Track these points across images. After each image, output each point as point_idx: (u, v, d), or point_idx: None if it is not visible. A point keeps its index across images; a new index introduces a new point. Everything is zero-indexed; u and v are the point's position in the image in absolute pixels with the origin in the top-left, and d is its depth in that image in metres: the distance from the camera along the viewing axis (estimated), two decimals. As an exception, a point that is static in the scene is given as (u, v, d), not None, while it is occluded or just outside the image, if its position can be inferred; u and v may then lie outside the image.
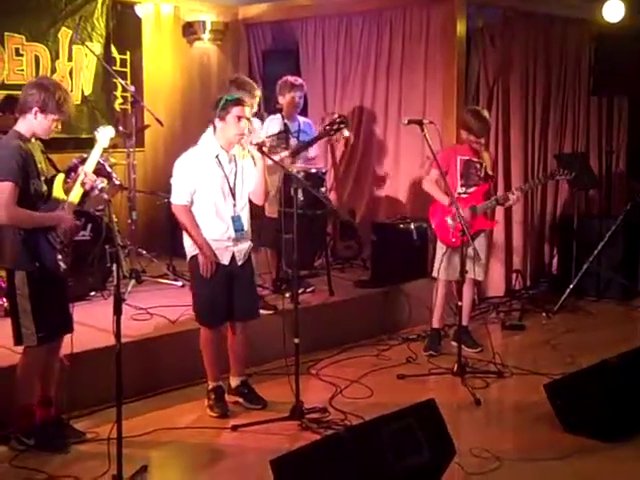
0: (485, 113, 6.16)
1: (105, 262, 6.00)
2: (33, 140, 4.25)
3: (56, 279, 4.25)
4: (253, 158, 4.82)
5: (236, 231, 4.80)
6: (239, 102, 4.76)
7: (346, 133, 6.40)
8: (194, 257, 4.81)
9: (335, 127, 6.21)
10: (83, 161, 4.51)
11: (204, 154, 4.78)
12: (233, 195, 4.79)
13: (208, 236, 4.76)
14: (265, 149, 4.77)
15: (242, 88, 5.78)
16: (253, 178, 4.84)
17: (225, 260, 4.81)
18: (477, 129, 5.97)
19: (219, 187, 4.75)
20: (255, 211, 5.17)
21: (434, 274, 6.12)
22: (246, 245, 4.90)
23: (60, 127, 4.35)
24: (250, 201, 4.94)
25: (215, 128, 4.78)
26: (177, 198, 4.77)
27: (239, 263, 4.86)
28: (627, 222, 7.47)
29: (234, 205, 4.79)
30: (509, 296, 7.63)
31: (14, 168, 4.05)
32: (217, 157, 4.76)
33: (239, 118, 4.70)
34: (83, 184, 4.28)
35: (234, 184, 4.80)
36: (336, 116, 6.38)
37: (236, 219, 4.80)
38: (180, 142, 7.88)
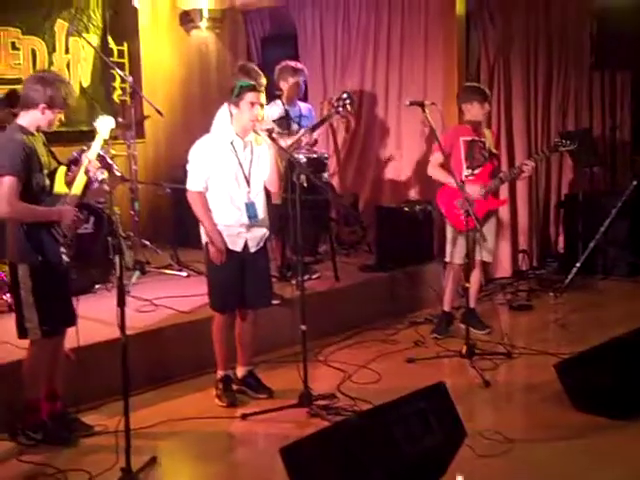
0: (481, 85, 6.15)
1: (108, 254, 5.96)
2: (36, 133, 4.22)
3: (59, 272, 4.23)
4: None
5: (249, 218, 4.78)
6: (253, 88, 4.76)
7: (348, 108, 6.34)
8: (207, 244, 4.79)
9: (342, 103, 6.16)
10: (82, 153, 4.47)
11: (219, 141, 4.78)
12: (248, 182, 4.77)
13: (221, 222, 4.74)
14: (275, 135, 4.75)
15: (249, 75, 5.75)
16: (268, 165, 4.81)
17: (237, 247, 4.79)
18: (479, 95, 5.92)
19: (233, 173, 4.73)
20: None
21: (447, 258, 6.07)
22: (261, 232, 4.87)
23: (63, 119, 4.34)
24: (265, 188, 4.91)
25: (231, 114, 4.77)
26: (192, 184, 4.76)
27: (252, 250, 4.83)
28: (632, 198, 7.40)
29: (248, 192, 4.77)
30: (516, 277, 7.62)
31: (17, 162, 4.03)
32: (232, 144, 4.75)
33: (252, 104, 4.69)
34: (87, 171, 4.25)
35: (249, 171, 4.78)
36: (342, 92, 6.35)
37: (250, 206, 4.78)
38: (181, 131, 7.91)
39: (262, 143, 4.80)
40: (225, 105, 4.94)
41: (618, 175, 8.49)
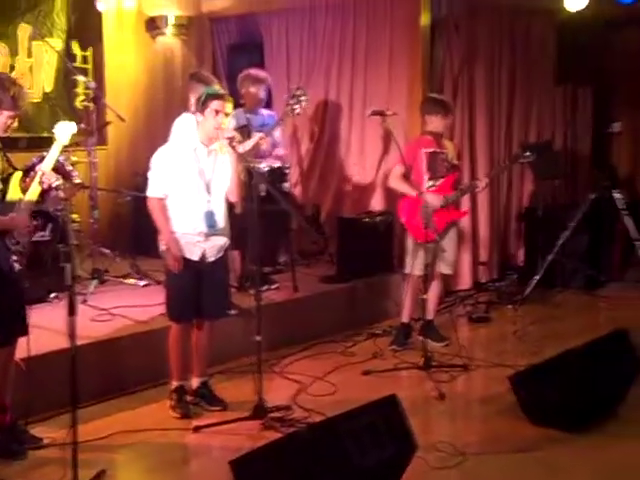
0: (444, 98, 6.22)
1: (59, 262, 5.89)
2: None
3: (10, 280, 4.17)
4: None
5: (208, 227, 4.75)
6: (219, 96, 4.75)
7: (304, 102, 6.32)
8: (166, 251, 4.76)
9: (295, 100, 6.16)
10: (42, 160, 4.42)
11: (182, 148, 4.76)
12: (208, 190, 4.74)
13: (179, 230, 4.72)
14: (235, 144, 4.74)
15: (203, 82, 5.75)
16: (229, 174, 4.80)
17: (195, 256, 4.76)
18: (442, 108, 5.95)
19: (194, 181, 4.71)
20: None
21: (407, 270, 6.08)
22: (220, 242, 4.84)
23: (17, 124, 4.28)
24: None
25: (197, 122, 4.76)
26: (152, 191, 4.73)
27: (210, 260, 4.80)
28: (591, 212, 7.48)
29: (208, 201, 4.74)
30: (476, 289, 7.66)
31: None
32: (195, 151, 4.73)
33: (217, 112, 4.68)
34: (41, 182, 4.20)
35: (210, 179, 4.75)
36: (294, 87, 6.37)
37: (209, 215, 4.75)
38: (143, 139, 7.86)
39: (225, 152, 4.78)
40: (182, 115, 4.92)
41: (578, 188, 8.58)
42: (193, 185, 4.71)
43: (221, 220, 4.83)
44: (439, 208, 5.84)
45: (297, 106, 6.16)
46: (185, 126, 4.84)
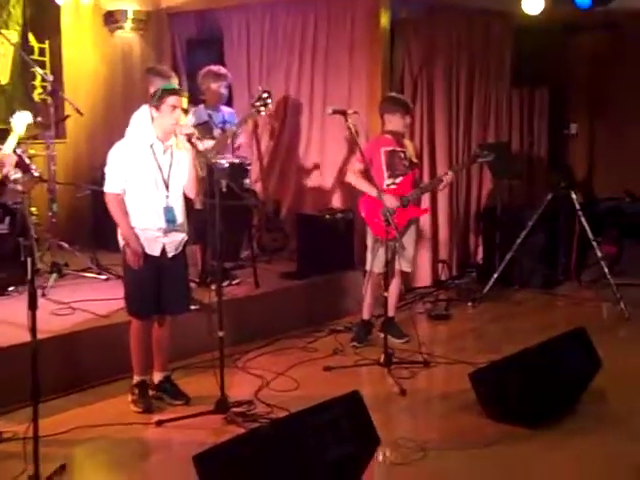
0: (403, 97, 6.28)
1: (21, 255, 5.81)
2: None
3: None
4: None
5: (167, 222, 4.72)
6: (175, 92, 4.71)
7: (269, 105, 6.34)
8: (125, 247, 4.72)
9: (261, 102, 6.17)
10: (-2, 152, 4.36)
11: (138, 143, 4.71)
12: (167, 186, 4.71)
13: (138, 225, 4.68)
14: (194, 140, 4.71)
15: (161, 75, 5.72)
16: (187, 170, 4.77)
17: (155, 252, 4.73)
18: (401, 107, 5.98)
19: (152, 177, 4.68)
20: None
21: (367, 267, 6.10)
22: (179, 237, 4.82)
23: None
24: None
25: (152, 117, 4.71)
26: (110, 186, 4.68)
27: (169, 255, 4.78)
28: (548, 212, 7.60)
29: (167, 196, 4.72)
30: (436, 286, 7.72)
31: None
32: (151, 147, 4.69)
33: (174, 107, 4.64)
34: (1, 165, 4.14)
35: (168, 175, 4.72)
36: (260, 89, 6.38)
37: (168, 210, 4.72)
38: (102, 132, 7.79)
39: (182, 148, 4.76)
40: (142, 108, 4.88)
41: (535, 188, 8.70)
42: (151, 181, 4.68)
43: (179, 216, 4.81)
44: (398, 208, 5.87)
45: (263, 108, 6.20)
46: (142, 120, 4.79)
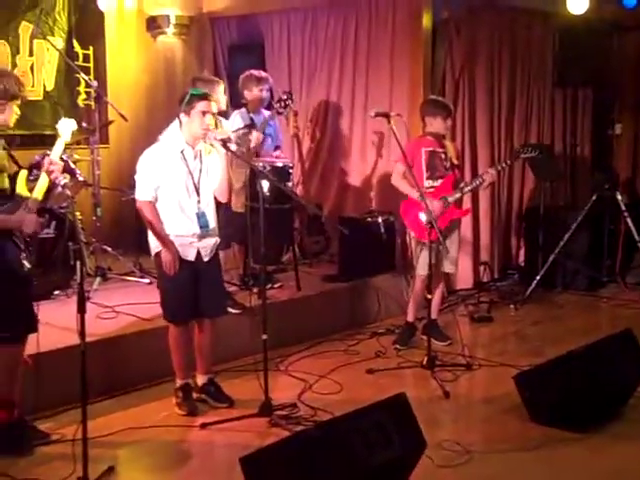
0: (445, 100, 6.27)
1: (69, 260, 5.88)
2: None
3: (20, 279, 4.17)
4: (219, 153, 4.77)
5: (201, 227, 4.75)
6: (204, 97, 4.71)
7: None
8: (158, 254, 4.75)
9: (282, 104, 6.22)
10: (45, 157, 4.42)
11: (169, 149, 4.72)
12: (197, 191, 4.74)
13: (172, 232, 4.71)
14: (230, 145, 4.73)
15: (206, 83, 5.78)
16: (218, 175, 4.79)
17: (190, 256, 4.75)
18: (443, 110, 5.97)
19: (183, 183, 4.70)
20: (222, 206, 5.13)
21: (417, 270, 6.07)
22: (212, 241, 4.85)
23: (19, 112, 4.28)
24: (215, 198, 4.89)
25: (181, 123, 4.72)
26: (141, 194, 4.71)
27: (205, 259, 4.80)
28: (592, 213, 7.52)
29: (198, 202, 4.74)
30: (477, 288, 7.67)
31: None
32: (182, 152, 4.71)
33: (204, 113, 4.65)
34: (50, 172, 4.18)
35: (199, 180, 4.74)
36: (280, 91, 6.45)
37: (200, 215, 4.75)
38: (145, 138, 7.79)
39: (211, 152, 4.76)
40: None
41: (578, 189, 8.62)
42: (183, 187, 4.70)
43: (212, 220, 4.83)
44: (441, 207, 5.85)
45: (283, 110, 6.29)
46: (172, 126, 4.83)
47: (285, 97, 6.27)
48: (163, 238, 4.68)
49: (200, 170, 4.76)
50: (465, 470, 4.11)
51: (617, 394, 4.75)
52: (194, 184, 4.73)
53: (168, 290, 4.82)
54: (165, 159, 4.69)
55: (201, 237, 4.77)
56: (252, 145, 6.25)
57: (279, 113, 6.36)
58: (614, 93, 8.39)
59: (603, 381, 4.54)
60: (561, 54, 8.07)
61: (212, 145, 4.73)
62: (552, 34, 8.16)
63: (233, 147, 4.84)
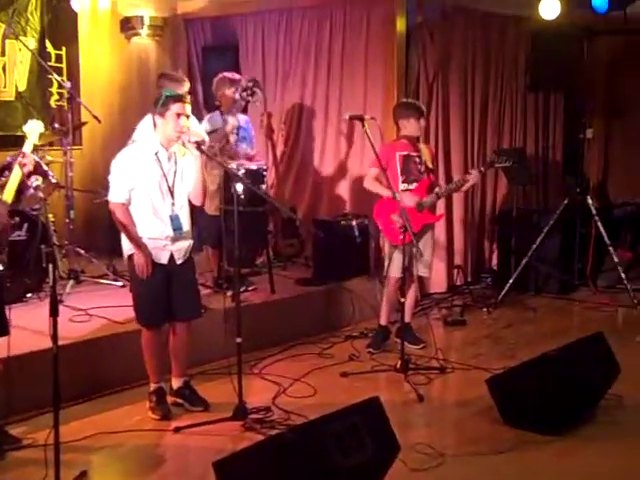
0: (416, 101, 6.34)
1: (41, 262, 5.83)
2: None
3: (-9, 281, 4.14)
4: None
5: (174, 230, 4.72)
6: (179, 99, 4.68)
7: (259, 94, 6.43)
8: (131, 256, 4.72)
9: (249, 91, 6.22)
10: (16, 158, 4.37)
11: (143, 151, 4.69)
12: (172, 194, 4.71)
13: (145, 235, 4.68)
14: (204, 147, 4.71)
15: (173, 81, 5.79)
16: (192, 177, 4.76)
17: (163, 259, 4.73)
18: (415, 111, 5.98)
19: (157, 185, 4.67)
20: (196, 209, 5.11)
21: (384, 272, 6.08)
22: (186, 244, 4.82)
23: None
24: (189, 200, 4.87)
25: (155, 124, 4.70)
26: (114, 196, 4.67)
27: (178, 262, 4.78)
28: (564, 217, 7.59)
29: (172, 204, 4.71)
30: (451, 292, 7.71)
31: None
32: (156, 154, 4.67)
33: (178, 115, 4.62)
34: (22, 165, 4.13)
35: (173, 183, 4.72)
36: (245, 78, 6.47)
37: (174, 218, 4.72)
38: (118, 139, 7.72)
39: (185, 155, 4.74)
40: (148, 116, 4.87)
41: (550, 193, 8.69)
42: (157, 189, 4.67)
43: (185, 223, 4.81)
44: (414, 211, 5.87)
45: (250, 97, 6.33)
46: (145, 128, 4.78)
47: (251, 84, 6.24)
48: (136, 241, 4.65)
49: (175, 172, 4.73)
50: (438, 473, 4.12)
51: (588, 397, 4.79)
52: (168, 186, 4.70)
53: (141, 294, 4.78)
54: (139, 161, 4.65)
55: (174, 240, 4.73)
56: (228, 129, 6.23)
57: (247, 101, 6.34)
58: (585, 97, 8.47)
59: (575, 384, 4.57)
60: (533, 58, 8.14)
61: (185, 147, 4.70)
62: (525, 38, 8.22)
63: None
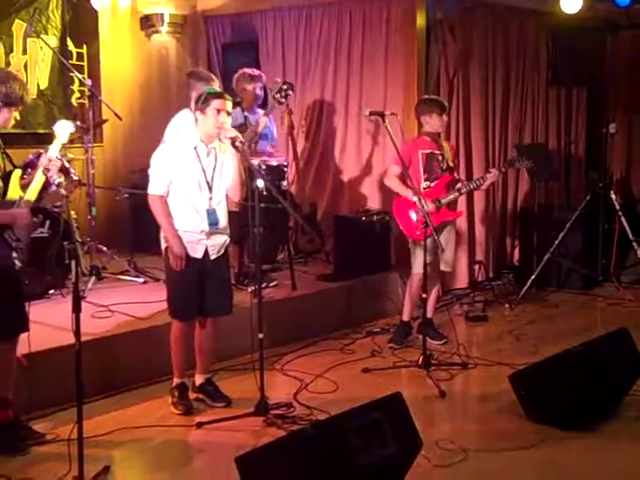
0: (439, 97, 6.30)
1: (63, 259, 5.84)
2: None
3: (10, 277, 4.15)
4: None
5: (210, 225, 4.74)
6: (220, 95, 4.75)
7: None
8: (167, 249, 4.74)
9: (283, 93, 6.24)
10: (39, 156, 4.40)
11: (182, 145, 4.75)
12: (210, 188, 4.74)
13: (181, 228, 4.70)
14: (238, 144, 4.73)
15: (203, 79, 5.80)
16: (231, 173, 4.79)
17: (198, 254, 4.75)
18: (437, 107, 5.96)
19: (195, 179, 4.70)
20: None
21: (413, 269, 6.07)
22: (221, 240, 4.84)
23: (18, 117, 4.28)
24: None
25: (196, 120, 4.76)
26: (153, 188, 4.72)
27: (212, 257, 4.79)
28: (586, 212, 7.53)
29: (210, 199, 4.74)
30: (472, 287, 7.68)
31: None
32: (195, 149, 4.72)
33: (219, 111, 4.67)
34: (46, 170, 4.16)
35: (212, 177, 4.75)
36: (280, 80, 6.44)
37: (211, 212, 4.74)
38: (138, 136, 7.85)
39: (226, 151, 4.78)
40: (182, 112, 4.90)
41: (572, 189, 8.62)
42: (195, 183, 4.71)
43: (222, 218, 4.83)
44: (432, 209, 5.85)
45: (283, 99, 6.31)
46: (185, 123, 4.82)
47: (286, 87, 6.27)
48: (172, 233, 4.68)
49: (214, 168, 4.76)
50: (461, 469, 4.10)
51: (612, 393, 4.75)
52: (207, 181, 4.73)
53: (175, 286, 4.81)
54: (179, 155, 4.70)
55: (210, 234, 4.75)
56: (260, 129, 6.29)
57: (280, 103, 6.36)
58: (608, 92, 8.41)
59: (598, 380, 4.54)
60: (555, 53, 8.09)
61: (222, 142, 4.74)
62: (546, 33, 8.17)
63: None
